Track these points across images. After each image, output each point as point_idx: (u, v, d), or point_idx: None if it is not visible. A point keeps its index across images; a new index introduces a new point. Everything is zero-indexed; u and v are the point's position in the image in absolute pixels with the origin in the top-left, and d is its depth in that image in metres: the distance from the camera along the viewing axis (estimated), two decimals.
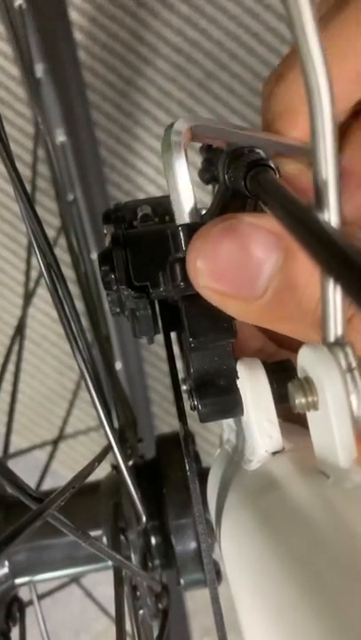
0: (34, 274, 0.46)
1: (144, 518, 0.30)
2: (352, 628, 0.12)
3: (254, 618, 0.17)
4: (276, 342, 0.28)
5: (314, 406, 0.17)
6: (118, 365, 0.67)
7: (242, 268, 0.16)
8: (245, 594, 0.17)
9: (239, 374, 0.21)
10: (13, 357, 0.41)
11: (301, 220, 0.14)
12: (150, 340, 0.24)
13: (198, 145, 0.24)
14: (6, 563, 0.31)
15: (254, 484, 0.20)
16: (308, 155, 0.16)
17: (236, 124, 0.20)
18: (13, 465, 0.28)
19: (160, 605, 0.32)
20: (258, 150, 0.19)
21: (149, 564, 0.32)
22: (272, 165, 0.18)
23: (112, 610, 0.27)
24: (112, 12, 0.58)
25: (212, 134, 0.20)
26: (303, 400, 0.17)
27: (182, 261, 0.19)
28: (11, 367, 0.41)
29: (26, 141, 0.64)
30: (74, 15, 0.58)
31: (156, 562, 0.32)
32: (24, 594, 0.34)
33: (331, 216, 0.15)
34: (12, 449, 0.41)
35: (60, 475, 0.78)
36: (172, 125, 0.19)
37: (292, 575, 0.15)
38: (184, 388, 0.24)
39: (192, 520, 0.31)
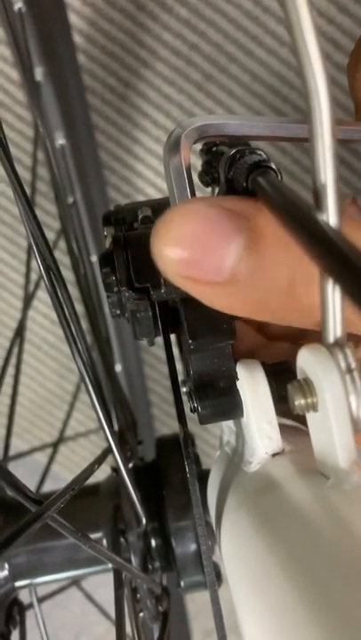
0: (33, 276, 0.46)
1: (144, 520, 0.30)
2: (352, 628, 0.12)
3: (254, 619, 0.17)
4: (265, 335, 0.27)
5: (313, 407, 0.17)
6: (118, 367, 0.67)
7: (207, 251, 0.16)
8: (245, 595, 0.17)
9: (239, 376, 0.21)
10: (13, 360, 0.41)
11: (302, 222, 0.14)
12: (151, 342, 0.24)
13: (198, 148, 0.24)
14: (6, 565, 0.31)
15: (254, 485, 0.20)
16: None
17: (251, 115, 0.20)
18: (13, 467, 0.28)
19: (160, 608, 0.32)
20: (259, 152, 0.19)
21: (149, 567, 0.32)
22: (273, 167, 0.18)
23: (112, 612, 0.27)
24: (111, 15, 0.58)
25: (225, 131, 0.20)
26: (303, 401, 0.17)
27: None
28: (10, 370, 0.41)
29: (25, 144, 0.64)
30: (73, 18, 0.58)
31: (157, 564, 0.32)
32: (24, 596, 0.33)
33: (330, 217, 0.16)
34: (12, 451, 0.41)
35: (61, 477, 0.78)
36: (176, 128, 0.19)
37: (292, 576, 0.15)
38: (184, 389, 0.24)
39: (192, 522, 0.31)
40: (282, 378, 0.21)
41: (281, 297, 0.17)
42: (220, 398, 0.21)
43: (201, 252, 0.16)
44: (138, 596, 0.31)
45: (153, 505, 0.32)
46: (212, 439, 0.75)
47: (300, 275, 0.16)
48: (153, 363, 0.73)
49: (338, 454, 0.17)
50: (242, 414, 0.21)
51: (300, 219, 0.14)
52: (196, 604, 0.74)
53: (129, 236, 0.21)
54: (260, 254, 0.16)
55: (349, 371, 0.16)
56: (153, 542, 0.32)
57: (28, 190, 0.24)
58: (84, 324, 0.45)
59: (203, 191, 0.25)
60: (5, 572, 0.31)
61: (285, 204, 0.15)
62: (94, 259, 0.58)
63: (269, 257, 0.16)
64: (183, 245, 0.16)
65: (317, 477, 0.18)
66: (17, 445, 0.77)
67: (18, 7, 0.43)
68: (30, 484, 0.24)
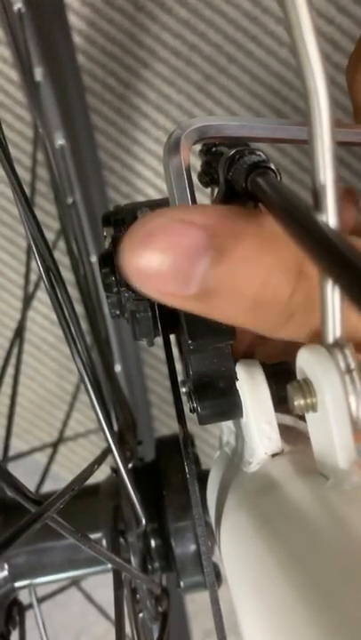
0: (33, 277, 0.46)
1: (144, 521, 0.30)
2: (352, 628, 0.12)
3: (254, 619, 0.17)
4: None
5: (313, 408, 0.17)
6: (118, 368, 0.67)
7: (173, 269, 0.16)
8: (245, 595, 0.17)
9: (238, 376, 0.21)
10: (13, 360, 0.41)
11: (301, 223, 0.14)
12: (150, 343, 0.24)
13: (198, 149, 0.24)
14: (6, 566, 0.31)
15: (253, 485, 0.20)
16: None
17: (251, 117, 0.20)
18: (13, 468, 0.28)
19: (160, 608, 0.32)
20: (259, 152, 0.19)
21: (149, 567, 0.32)
22: (273, 167, 0.18)
23: (112, 613, 0.27)
24: (111, 15, 0.58)
25: (225, 132, 0.20)
26: (302, 402, 0.17)
27: None
28: (10, 370, 0.41)
29: (25, 145, 0.64)
30: (73, 19, 0.58)
31: (156, 564, 0.32)
32: (24, 597, 0.33)
33: (329, 218, 0.16)
34: (11, 452, 0.41)
35: (60, 477, 0.78)
36: (176, 129, 0.19)
37: (291, 576, 0.15)
38: (183, 390, 0.24)
39: (192, 522, 0.31)
40: (281, 378, 0.21)
41: (248, 313, 0.17)
42: (219, 399, 0.21)
43: (167, 269, 0.16)
44: (137, 596, 0.31)
45: (153, 505, 0.32)
46: (212, 439, 0.75)
47: (266, 294, 0.16)
48: (153, 363, 0.73)
49: (337, 454, 0.17)
50: (241, 415, 0.21)
51: (299, 219, 0.14)
52: (196, 604, 0.74)
53: None
54: (227, 268, 0.16)
55: (349, 371, 0.16)
56: (153, 543, 0.32)
57: (27, 191, 0.24)
58: (84, 325, 0.45)
59: (203, 192, 0.25)
60: (5, 573, 0.31)
61: (284, 205, 0.15)
62: (94, 259, 0.58)
63: (238, 269, 0.16)
64: (148, 264, 0.16)
65: (317, 478, 0.18)
66: (17, 445, 0.77)
67: (17, 7, 0.43)
68: (30, 484, 0.24)
